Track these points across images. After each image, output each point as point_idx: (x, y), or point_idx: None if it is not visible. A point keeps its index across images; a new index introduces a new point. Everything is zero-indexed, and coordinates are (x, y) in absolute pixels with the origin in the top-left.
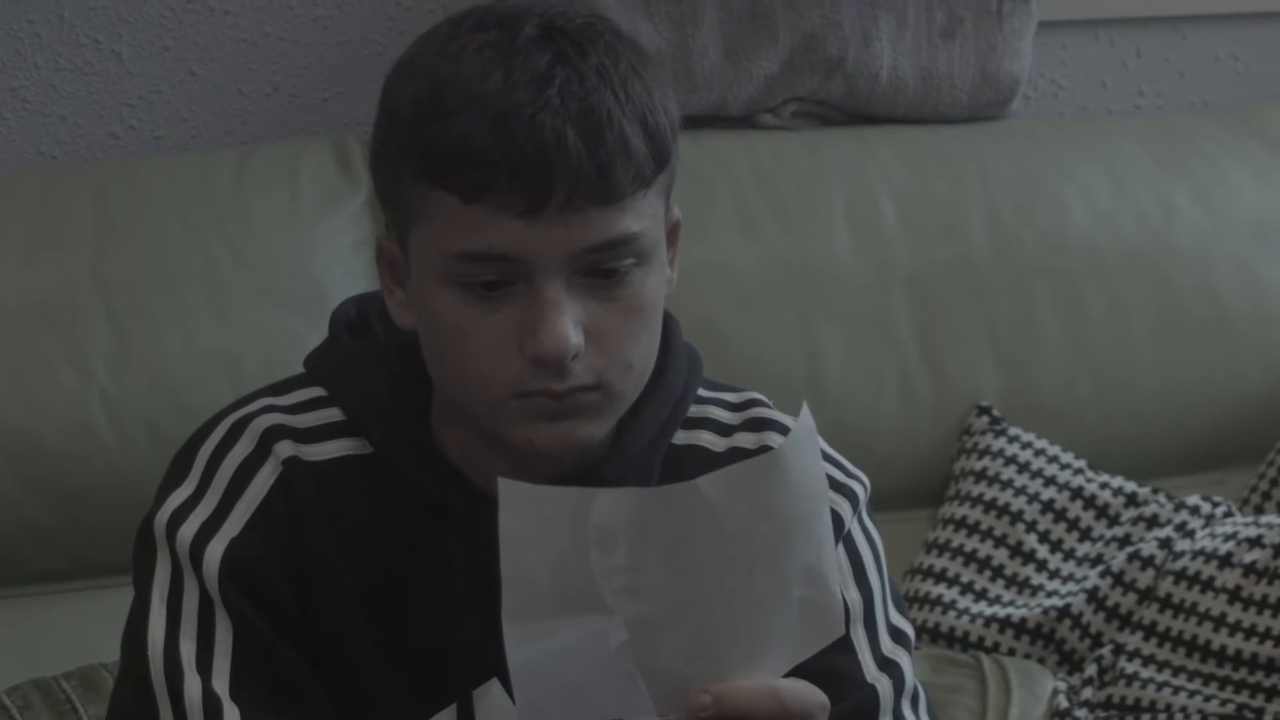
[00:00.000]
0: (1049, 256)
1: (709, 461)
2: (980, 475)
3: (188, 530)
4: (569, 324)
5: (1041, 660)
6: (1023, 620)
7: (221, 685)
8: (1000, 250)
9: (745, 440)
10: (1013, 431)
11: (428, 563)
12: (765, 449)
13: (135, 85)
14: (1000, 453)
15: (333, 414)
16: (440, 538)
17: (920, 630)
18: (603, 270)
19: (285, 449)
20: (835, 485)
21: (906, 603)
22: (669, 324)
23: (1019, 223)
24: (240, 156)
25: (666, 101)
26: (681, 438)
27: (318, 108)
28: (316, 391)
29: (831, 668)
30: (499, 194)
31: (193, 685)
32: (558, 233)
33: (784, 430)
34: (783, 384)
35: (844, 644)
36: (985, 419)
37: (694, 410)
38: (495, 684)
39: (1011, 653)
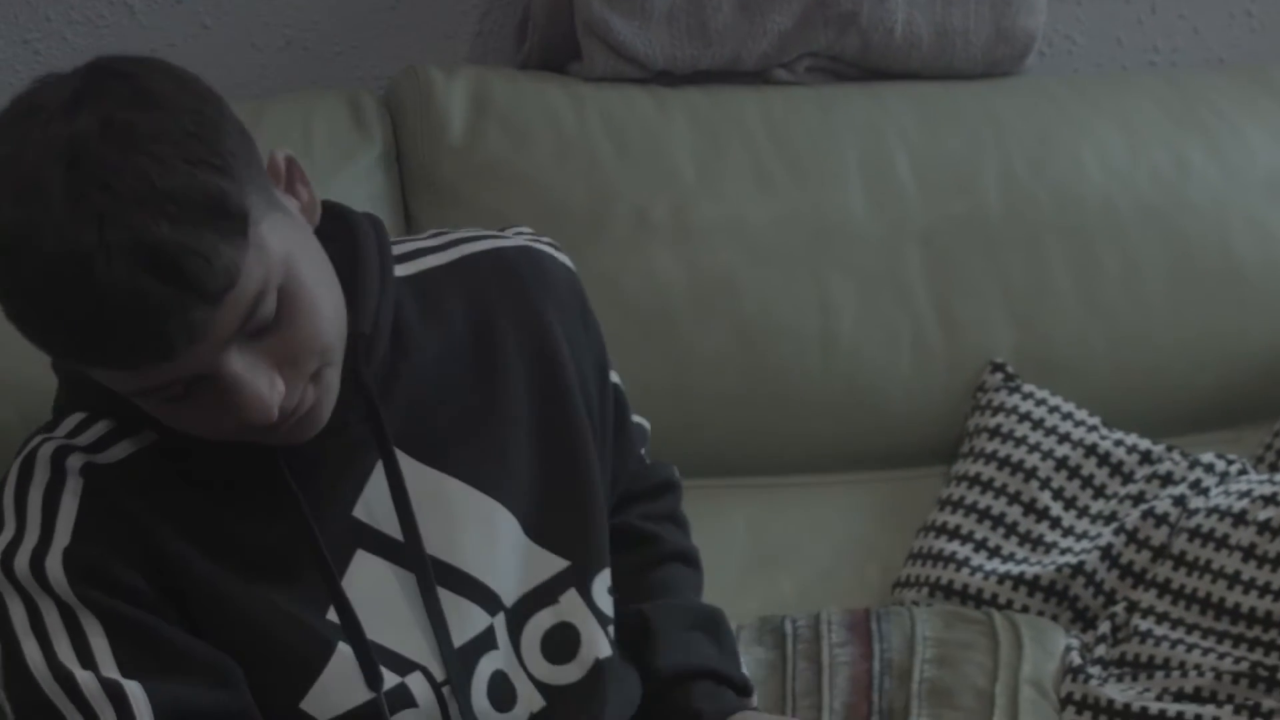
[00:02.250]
0: (1063, 213)
1: (442, 271)
2: (994, 432)
3: (22, 561)
4: (262, 390)
5: (1055, 617)
6: (1036, 577)
7: (110, 671)
8: (1014, 206)
9: (466, 248)
10: (1027, 388)
11: (246, 494)
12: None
13: (147, 38)
14: (1014, 409)
15: (104, 426)
16: (245, 469)
17: (934, 587)
18: (260, 323)
19: (77, 461)
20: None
21: (920, 560)
22: (350, 218)
23: (1033, 179)
24: (253, 110)
25: (219, 148)
26: (406, 269)
27: (331, 61)
28: (79, 417)
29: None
30: (133, 359)
31: (86, 679)
32: (200, 348)
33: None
34: (796, 339)
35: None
36: (999, 375)
37: (400, 249)
38: (362, 554)
39: (1025, 610)
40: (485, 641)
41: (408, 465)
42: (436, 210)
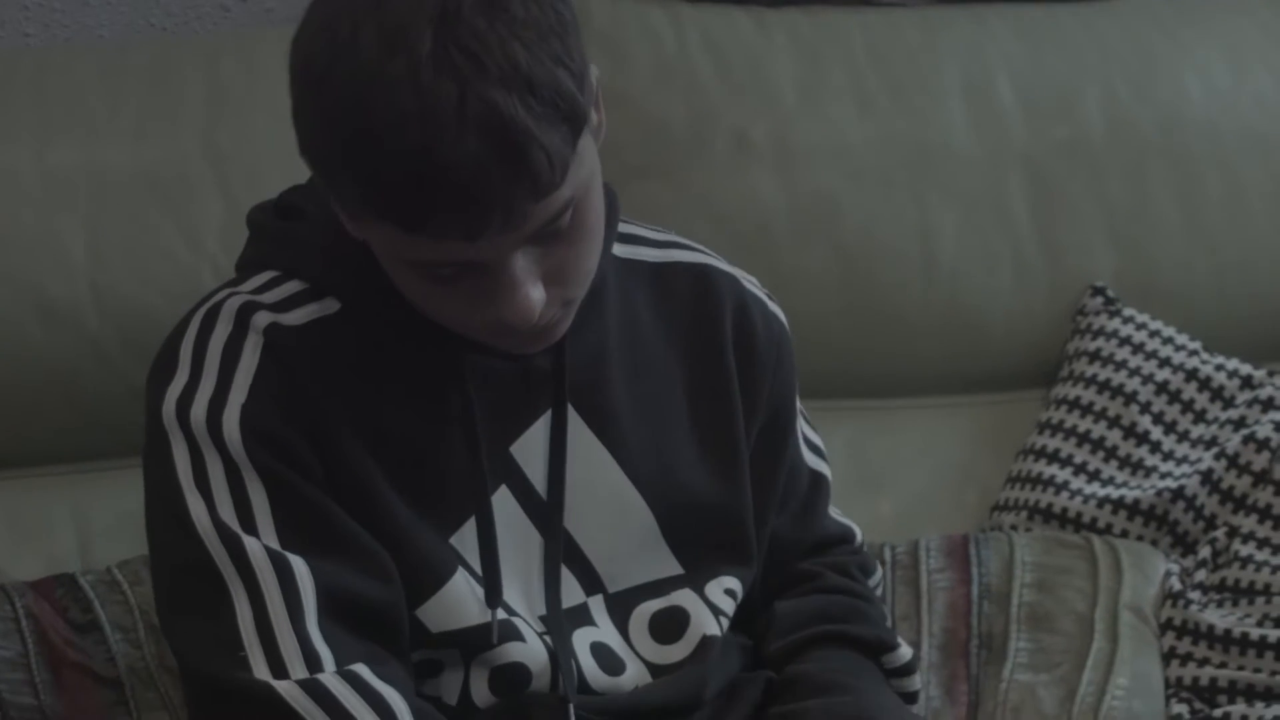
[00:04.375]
0: (1166, 136)
1: (649, 266)
2: (1094, 356)
3: (199, 410)
4: (532, 294)
5: (1154, 542)
6: (1135, 502)
7: (271, 540)
8: (1116, 130)
9: (679, 255)
10: (1127, 312)
11: (416, 394)
12: (700, 262)
13: None
14: (1114, 333)
15: (293, 286)
16: (422, 369)
17: (1032, 511)
18: (554, 230)
19: (263, 319)
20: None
21: (1019, 483)
22: None
23: (1136, 102)
24: None
25: (573, 51)
26: (621, 251)
27: None
28: (270, 274)
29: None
30: (438, 228)
31: (253, 545)
32: (503, 238)
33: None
34: (897, 261)
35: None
36: (1100, 299)
37: (623, 229)
38: (504, 490)
39: (1124, 534)
40: (579, 616)
41: (574, 421)
42: None
